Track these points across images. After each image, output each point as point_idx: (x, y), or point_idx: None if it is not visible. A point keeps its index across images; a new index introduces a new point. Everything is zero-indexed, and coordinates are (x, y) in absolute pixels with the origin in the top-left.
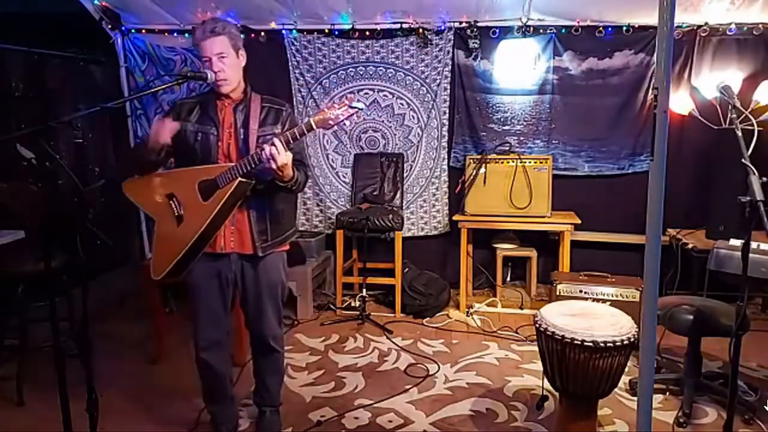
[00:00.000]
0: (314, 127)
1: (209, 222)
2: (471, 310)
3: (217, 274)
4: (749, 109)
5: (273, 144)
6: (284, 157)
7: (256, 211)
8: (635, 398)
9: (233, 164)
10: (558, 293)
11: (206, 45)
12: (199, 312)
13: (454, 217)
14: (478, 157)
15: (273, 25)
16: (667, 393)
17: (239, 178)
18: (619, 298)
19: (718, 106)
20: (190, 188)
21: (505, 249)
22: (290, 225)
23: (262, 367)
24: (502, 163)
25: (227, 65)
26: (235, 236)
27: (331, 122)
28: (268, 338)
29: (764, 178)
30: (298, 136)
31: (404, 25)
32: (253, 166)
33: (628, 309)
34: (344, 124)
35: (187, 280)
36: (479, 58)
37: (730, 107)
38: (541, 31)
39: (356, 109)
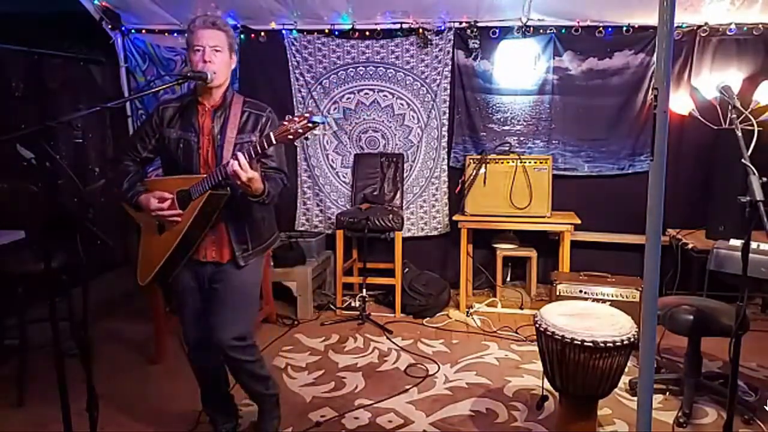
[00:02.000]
0: (274, 141)
1: (184, 233)
2: (471, 310)
3: (198, 277)
4: (749, 109)
5: (236, 158)
6: (249, 173)
7: (234, 221)
8: (635, 398)
9: (205, 175)
10: (558, 293)
11: (204, 34)
12: (185, 314)
13: (454, 217)
14: (478, 157)
15: (273, 25)
16: (667, 393)
17: (209, 191)
18: (619, 298)
19: (718, 106)
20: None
21: (505, 249)
22: (271, 232)
23: (235, 374)
24: (502, 163)
25: (219, 60)
26: (216, 246)
27: (290, 137)
28: (235, 340)
29: (764, 178)
30: (260, 150)
31: (404, 25)
32: (221, 178)
33: (628, 309)
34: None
35: (174, 285)
36: (479, 58)
37: (730, 107)
38: (541, 31)
39: (315, 124)
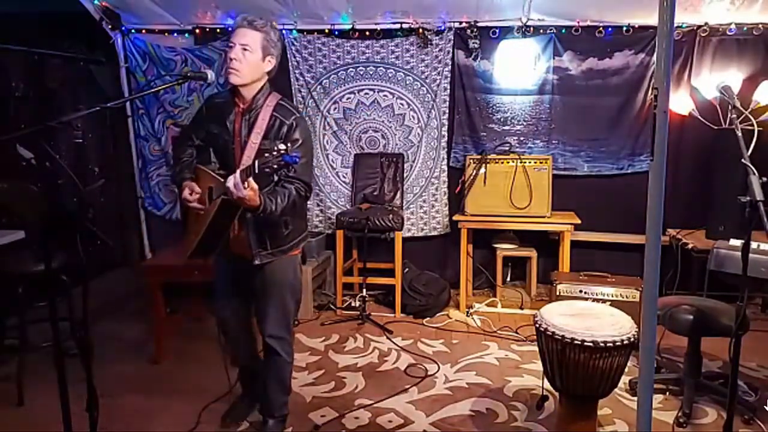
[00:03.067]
0: (256, 171)
1: (206, 228)
2: (471, 310)
3: (232, 265)
4: (749, 109)
5: (234, 177)
6: (240, 193)
7: (253, 223)
8: (635, 398)
9: (222, 180)
10: (558, 293)
11: (238, 31)
12: (215, 296)
13: (454, 217)
14: (478, 157)
15: None
16: (667, 393)
17: (221, 196)
18: (619, 298)
19: (718, 106)
20: (204, 190)
21: (505, 249)
22: (299, 231)
23: (265, 369)
24: (502, 163)
25: (246, 59)
26: (241, 243)
27: (267, 170)
28: (266, 336)
29: (764, 178)
30: (246, 176)
31: (404, 25)
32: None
33: (628, 309)
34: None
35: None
36: (479, 58)
37: (730, 107)
38: (541, 31)
39: (287, 163)
